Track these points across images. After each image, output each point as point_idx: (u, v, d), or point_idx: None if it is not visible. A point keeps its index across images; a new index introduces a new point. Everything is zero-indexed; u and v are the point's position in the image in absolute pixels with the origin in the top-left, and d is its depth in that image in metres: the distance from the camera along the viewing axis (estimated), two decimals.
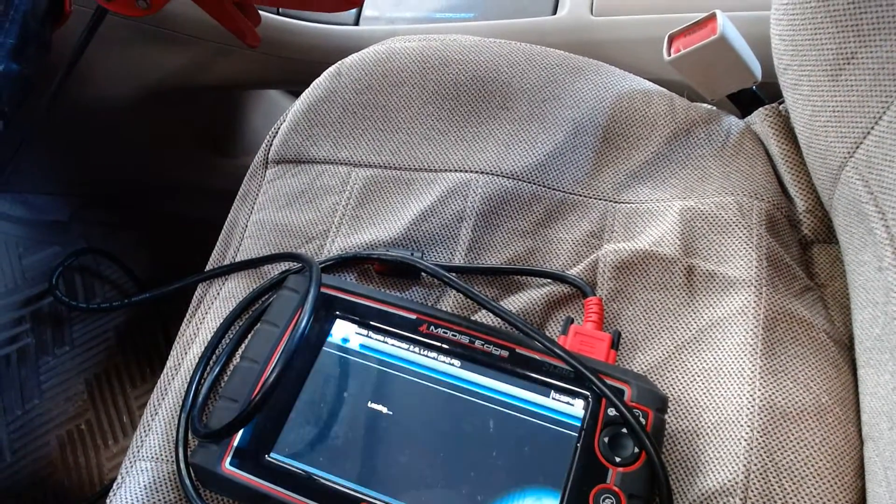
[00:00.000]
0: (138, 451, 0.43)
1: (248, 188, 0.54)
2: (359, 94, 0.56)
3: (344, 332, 0.43)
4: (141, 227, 1.02)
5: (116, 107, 0.80)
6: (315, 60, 0.71)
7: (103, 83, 0.78)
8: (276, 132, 0.56)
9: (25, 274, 0.96)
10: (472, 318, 0.45)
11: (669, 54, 0.53)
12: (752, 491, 0.37)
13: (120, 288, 0.97)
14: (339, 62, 0.58)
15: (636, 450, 0.37)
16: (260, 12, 0.68)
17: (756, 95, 0.56)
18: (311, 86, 0.57)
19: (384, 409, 0.40)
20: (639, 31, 0.65)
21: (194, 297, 0.50)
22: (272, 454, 0.39)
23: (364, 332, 0.43)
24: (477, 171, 0.52)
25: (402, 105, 0.55)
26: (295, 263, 0.48)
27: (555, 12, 0.69)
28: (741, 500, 0.37)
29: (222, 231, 0.53)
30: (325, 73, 0.58)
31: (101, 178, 0.97)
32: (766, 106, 0.53)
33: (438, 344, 0.42)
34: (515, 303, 0.46)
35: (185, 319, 0.49)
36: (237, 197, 0.55)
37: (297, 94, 0.57)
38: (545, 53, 0.57)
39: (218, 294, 0.49)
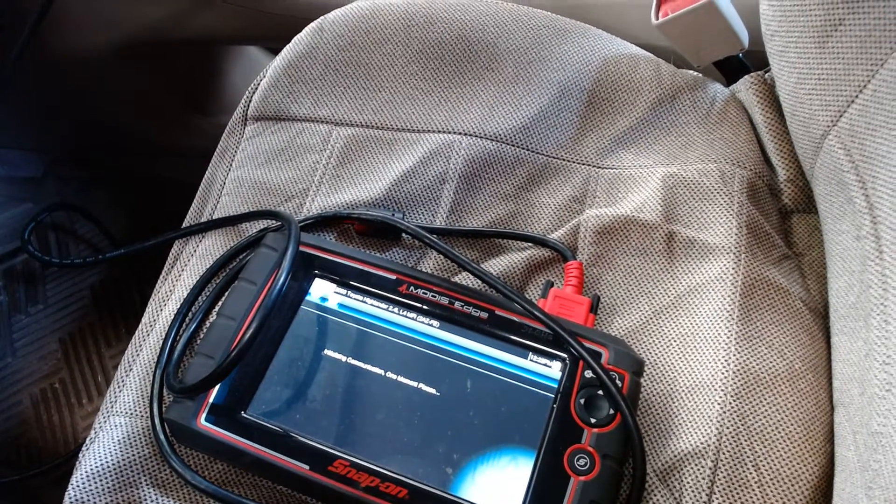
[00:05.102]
0: (112, 407, 0.42)
1: (227, 145, 0.53)
2: (341, 50, 0.54)
3: (322, 291, 0.42)
4: (117, 184, 1.00)
5: (91, 60, 0.78)
6: (296, 15, 0.70)
7: (78, 34, 0.75)
8: (256, 88, 0.55)
9: None
10: (453, 279, 0.45)
11: (657, 18, 0.52)
12: (724, 453, 0.38)
13: (95, 246, 0.96)
14: (322, 17, 0.57)
15: (611, 411, 0.38)
16: None
17: (742, 63, 0.55)
18: (293, 41, 0.56)
19: (362, 369, 0.40)
20: None
21: (170, 254, 0.49)
22: (248, 411, 0.38)
23: (343, 291, 0.42)
24: (460, 133, 0.51)
25: (385, 63, 0.54)
26: (273, 221, 0.48)
27: None
28: (713, 461, 0.38)
29: (200, 188, 0.52)
30: (307, 29, 0.56)
31: (76, 134, 0.94)
32: (752, 74, 0.53)
33: (418, 304, 0.41)
34: (496, 265, 0.46)
35: (160, 276, 0.48)
36: (215, 153, 0.53)
37: (277, 53, 0.56)
38: (532, 14, 0.56)
39: (195, 251, 0.48)
